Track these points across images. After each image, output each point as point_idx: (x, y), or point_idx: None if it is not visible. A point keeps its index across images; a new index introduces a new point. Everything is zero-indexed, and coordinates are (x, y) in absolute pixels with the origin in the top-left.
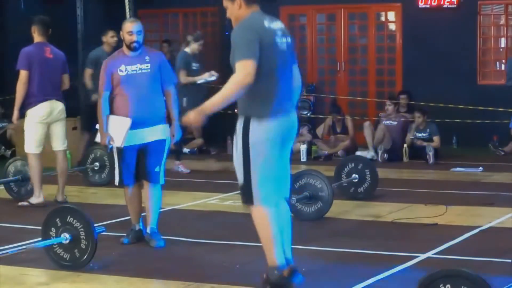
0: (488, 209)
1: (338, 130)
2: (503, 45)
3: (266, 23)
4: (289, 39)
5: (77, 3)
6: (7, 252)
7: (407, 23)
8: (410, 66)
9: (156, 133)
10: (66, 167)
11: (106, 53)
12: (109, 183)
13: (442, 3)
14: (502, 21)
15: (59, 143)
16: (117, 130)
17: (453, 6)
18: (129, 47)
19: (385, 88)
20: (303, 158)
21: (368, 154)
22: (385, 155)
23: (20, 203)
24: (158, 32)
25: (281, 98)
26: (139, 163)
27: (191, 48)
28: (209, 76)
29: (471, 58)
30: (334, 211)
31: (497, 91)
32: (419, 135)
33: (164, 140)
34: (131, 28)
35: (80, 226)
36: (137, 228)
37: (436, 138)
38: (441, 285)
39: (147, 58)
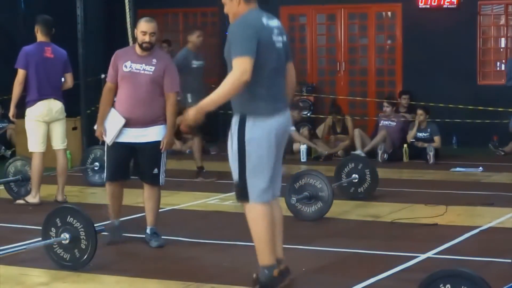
0: (488, 209)
1: (338, 130)
2: (503, 45)
3: (264, 21)
4: (285, 38)
5: (77, 3)
6: (7, 252)
7: (407, 23)
8: (410, 66)
9: (151, 134)
10: (66, 166)
11: (192, 52)
12: None
13: (442, 3)
14: (502, 21)
15: (58, 142)
16: (111, 126)
17: (453, 6)
18: (140, 46)
19: (385, 88)
20: (303, 158)
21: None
22: (385, 155)
23: (17, 201)
24: (158, 32)
25: (276, 97)
26: (137, 164)
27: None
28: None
29: (471, 58)
30: (334, 211)
31: (497, 91)
32: (420, 134)
33: (160, 142)
34: (144, 28)
35: (80, 226)
36: (116, 223)
37: (436, 138)
38: (441, 285)
39: (154, 60)
